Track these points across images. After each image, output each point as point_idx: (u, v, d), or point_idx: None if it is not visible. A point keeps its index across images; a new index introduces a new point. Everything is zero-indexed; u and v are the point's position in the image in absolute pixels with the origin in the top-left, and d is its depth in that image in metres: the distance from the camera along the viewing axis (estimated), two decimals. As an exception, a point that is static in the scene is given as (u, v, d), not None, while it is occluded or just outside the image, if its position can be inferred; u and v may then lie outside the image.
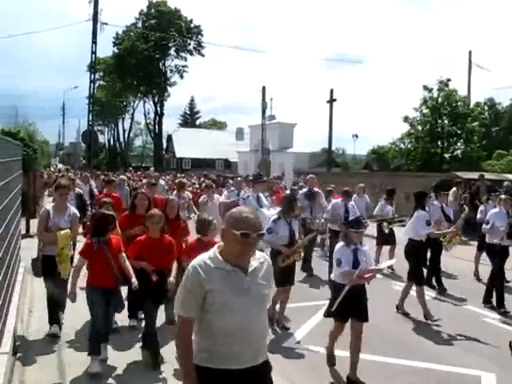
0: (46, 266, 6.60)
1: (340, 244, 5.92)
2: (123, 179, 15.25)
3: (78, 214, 7.14)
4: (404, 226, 11.64)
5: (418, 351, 6.70)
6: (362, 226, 5.97)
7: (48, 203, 19.68)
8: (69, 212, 6.84)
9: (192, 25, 64.32)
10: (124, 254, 5.86)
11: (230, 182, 19.52)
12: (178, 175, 30.08)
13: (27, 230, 13.71)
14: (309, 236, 8.34)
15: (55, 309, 6.69)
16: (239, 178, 12.49)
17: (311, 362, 6.28)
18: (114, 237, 5.98)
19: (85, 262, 5.79)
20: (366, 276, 5.62)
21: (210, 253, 2.94)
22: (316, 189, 11.81)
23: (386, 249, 11.76)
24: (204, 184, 15.60)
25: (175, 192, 11.97)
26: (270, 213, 9.27)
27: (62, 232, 6.51)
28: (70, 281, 6.08)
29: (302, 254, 8.19)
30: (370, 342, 6.26)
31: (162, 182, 18.45)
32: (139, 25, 63.44)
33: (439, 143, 33.91)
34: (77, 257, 6.22)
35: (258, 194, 10.16)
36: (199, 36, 65.22)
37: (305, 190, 12.05)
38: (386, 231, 11.32)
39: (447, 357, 6.53)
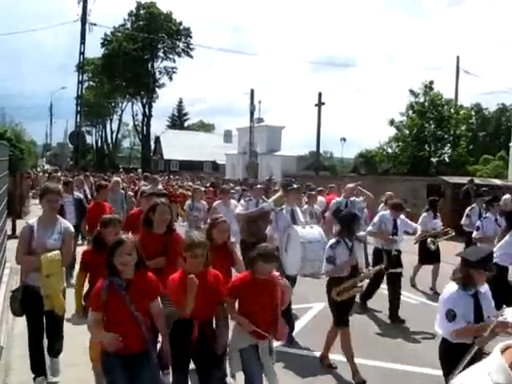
0: (28, 301, 4.98)
1: (453, 287, 4.30)
2: (117, 181, 13.23)
3: (72, 229, 5.35)
4: (451, 238, 10.31)
5: (410, 356, 6.67)
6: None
7: (33, 205, 19.65)
8: (59, 227, 5.07)
9: (181, 27, 64.29)
10: (159, 302, 4.09)
11: (231, 185, 18.70)
12: (171, 177, 29.51)
13: (13, 230, 13.61)
14: (378, 267, 6.65)
15: (41, 354, 5.15)
16: (258, 186, 10.38)
17: (301, 364, 6.25)
18: (149, 275, 4.06)
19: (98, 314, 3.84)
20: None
21: (490, 368, 1.43)
22: (354, 198, 9.89)
23: (425, 268, 10.29)
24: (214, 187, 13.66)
25: (189, 202, 10.97)
26: (308, 233, 7.20)
27: (48, 254, 4.78)
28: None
29: (364, 287, 6.76)
30: (364, 346, 6.41)
31: (160, 186, 15.39)
32: (128, 26, 63.28)
33: (426, 147, 34.17)
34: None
35: (293, 206, 7.87)
36: (188, 38, 65.22)
37: (339, 199, 10.16)
38: (433, 248, 9.89)
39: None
